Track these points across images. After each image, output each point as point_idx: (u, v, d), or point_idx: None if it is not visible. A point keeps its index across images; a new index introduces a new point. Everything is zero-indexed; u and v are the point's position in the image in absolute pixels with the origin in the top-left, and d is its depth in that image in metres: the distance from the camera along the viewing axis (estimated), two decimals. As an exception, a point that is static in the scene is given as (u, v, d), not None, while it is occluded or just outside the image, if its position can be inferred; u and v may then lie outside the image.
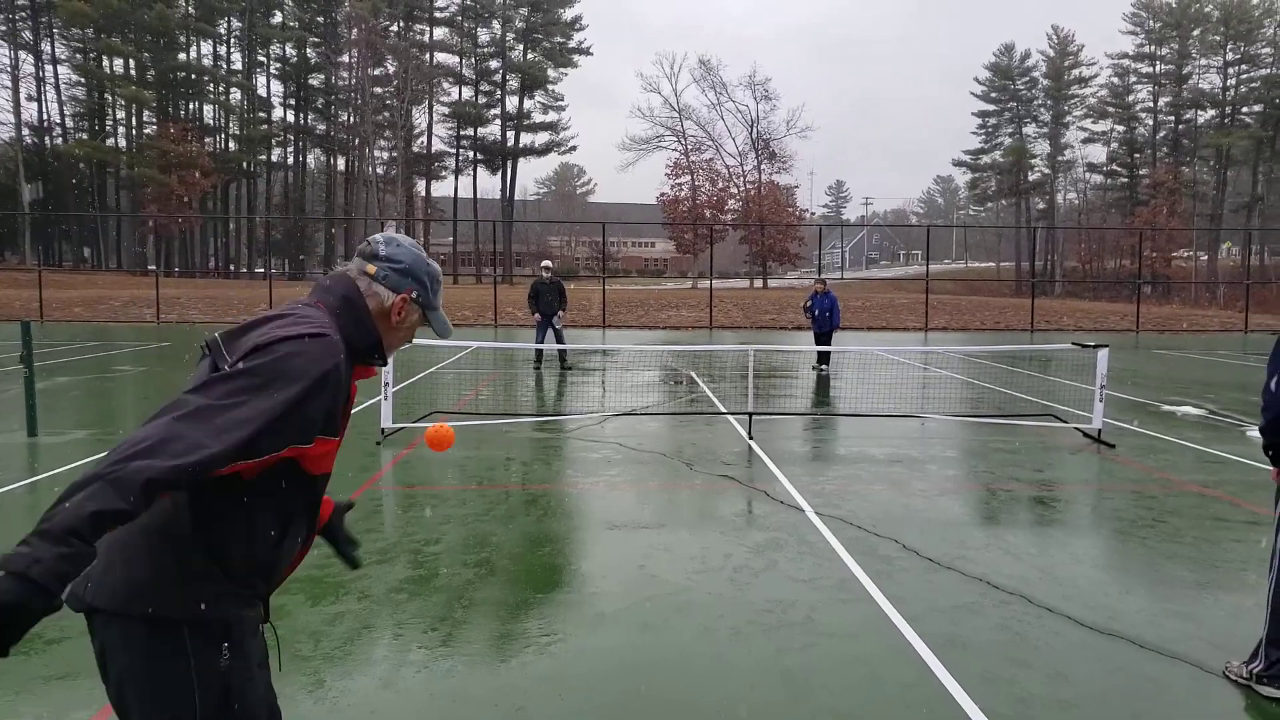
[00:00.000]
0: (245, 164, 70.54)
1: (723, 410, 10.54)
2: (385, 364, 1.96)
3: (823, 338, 15.63)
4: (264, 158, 72.85)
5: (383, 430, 8.67)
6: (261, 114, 72.89)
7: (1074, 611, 4.36)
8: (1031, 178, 73.17)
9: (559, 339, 14.38)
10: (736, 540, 5.51)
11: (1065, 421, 9.73)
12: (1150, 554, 5.37)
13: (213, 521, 1.68)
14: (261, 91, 73.03)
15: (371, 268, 1.90)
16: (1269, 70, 61.21)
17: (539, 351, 14.64)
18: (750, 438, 8.78)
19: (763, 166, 64.04)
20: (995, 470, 7.69)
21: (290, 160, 77.09)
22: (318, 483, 1.87)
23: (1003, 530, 5.83)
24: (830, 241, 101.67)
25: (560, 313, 14.12)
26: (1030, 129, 73.64)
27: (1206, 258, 63.20)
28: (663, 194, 63.65)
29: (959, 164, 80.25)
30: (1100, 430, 8.84)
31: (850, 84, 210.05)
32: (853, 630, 4.15)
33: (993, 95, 75.45)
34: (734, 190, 64.44)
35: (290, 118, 74.62)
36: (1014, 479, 7.33)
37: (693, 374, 14.41)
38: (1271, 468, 3.49)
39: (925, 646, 3.93)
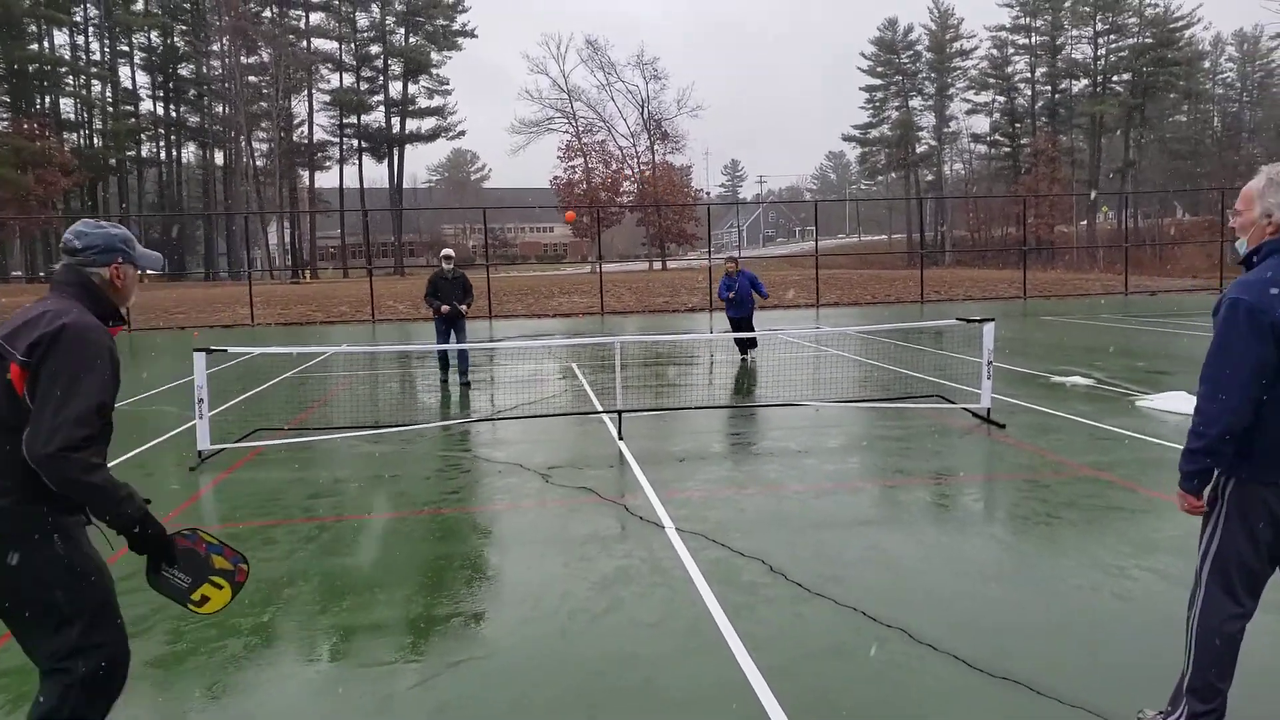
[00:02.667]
0: (112, 160, 65.73)
1: (598, 409, 9.70)
2: (123, 322, 2.61)
3: (742, 323, 13.51)
4: (133, 153, 68.03)
5: (199, 453, 7.49)
6: (128, 107, 67.97)
7: (962, 648, 3.66)
8: (919, 150, 74.76)
9: (462, 353, 11.79)
10: (581, 573, 4.66)
11: (954, 402, 9.25)
12: (1046, 562, 4.77)
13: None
14: (126, 83, 68.09)
15: (80, 259, 2.52)
16: (1135, 39, 63.87)
17: (444, 361, 11.99)
18: (620, 438, 7.96)
19: (656, 147, 63.39)
20: (880, 461, 7.08)
21: (163, 155, 72.36)
22: None
23: (884, 537, 5.15)
24: (727, 221, 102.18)
25: (463, 308, 11.53)
26: (916, 102, 75.16)
27: (1085, 223, 65.84)
28: (556, 177, 62.34)
29: (849, 139, 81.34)
30: (989, 410, 8.37)
31: (740, 61, 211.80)
32: (697, 694, 3.34)
33: (879, 70, 76.61)
34: (628, 171, 63.61)
35: (160, 110, 69.94)
36: (899, 471, 6.72)
37: (574, 366, 13.53)
38: (1185, 493, 2.77)
39: (784, 715, 3.16)
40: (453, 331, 11.58)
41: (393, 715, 3.26)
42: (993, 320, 8.51)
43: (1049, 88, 69.29)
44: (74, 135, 64.32)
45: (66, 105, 64.74)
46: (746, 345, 13.49)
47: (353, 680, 3.55)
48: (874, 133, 78.13)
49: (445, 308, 11.34)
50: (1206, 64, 68.10)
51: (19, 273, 61.98)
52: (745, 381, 11.73)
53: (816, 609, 4.12)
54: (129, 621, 4.06)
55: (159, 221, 68.08)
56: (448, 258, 11.82)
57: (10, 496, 2.31)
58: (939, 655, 3.61)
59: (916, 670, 3.50)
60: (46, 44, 62.27)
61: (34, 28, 61.16)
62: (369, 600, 4.37)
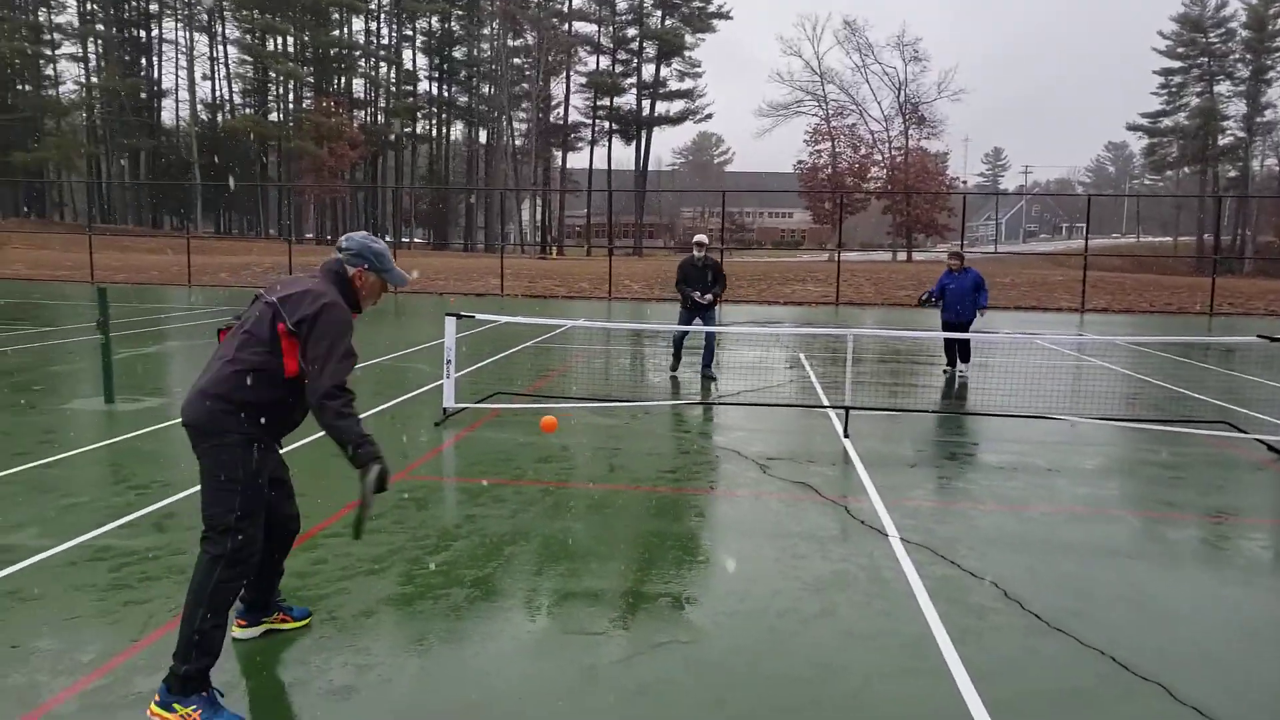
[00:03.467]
0: (392, 136, 73.11)
1: (825, 403, 9.39)
2: (360, 312, 3.33)
3: (956, 327, 11.48)
4: (409, 130, 75.23)
5: (444, 410, 8.09)
6: (407, 87, 75.24)
7: (1241, 717, 3.12)
8: (1222, 142, 65.68)
9: (708, 341, 10.91)
10: (793, 571, 4.50)
11: (1245, 431, 8.01)
12: (1355, 628, 3.97)
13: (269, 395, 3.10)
14: (408, 65, 75.31)
15: (341, 256, 3.32)
16: None
17: (677, 353, 11.21)
18: (846, 436, 7.64)
19: (910, 132, 60.42)
20: (1146, 490, 6.26)
21: (434, 132, 79.37)
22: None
23: (1145, 576, 4.53)
24: (984, 213, 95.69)
25: (710, 298, 10.63)
26: (1223, 87, 65.96)
27: None
28: (800, 162, 61.27)
29: (1135, 128, 73.07)
30: (1290, 443, 7.16)
31: (1010, 43, 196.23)
32: (909, 718, 3.10)
33: (1179, 50, 68.02)
34: (878, 157, 61.19)
35: (434, 90, 76.70)
36: (1170, 504, 5.90)
37: (801, 357, 13.22)
38: None
39: (1008, 761, 2.85)
40: (700, 322, 10.76)
41: (595, 687, 3.29)
42: (1304, 340, 7.25)
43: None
44: (362, 113, 72.13)
45: (358, 85, 72.79)
46: (959, 355, 11.79)
47: (561, 645, 3.64)
48: (1166, 121, 69.67)
49: (698, 295, 10.57)
50: None
51: (311, 235, 70.60)
52: (954, 384, 10.87)
53: (1055, 645, 3.69)
54: (370, 560, 4.46)
55: (427, 193, 74.82)
56: (700, 244, 10.91)
57: (241, 410, 3.05)
58: (1206, 723, 3.10)
59: (1176, 737, 3.03)
60: (346, 30, 70.20)
61: (336, 15, 69.11)
62: (583, 568, 4.47)
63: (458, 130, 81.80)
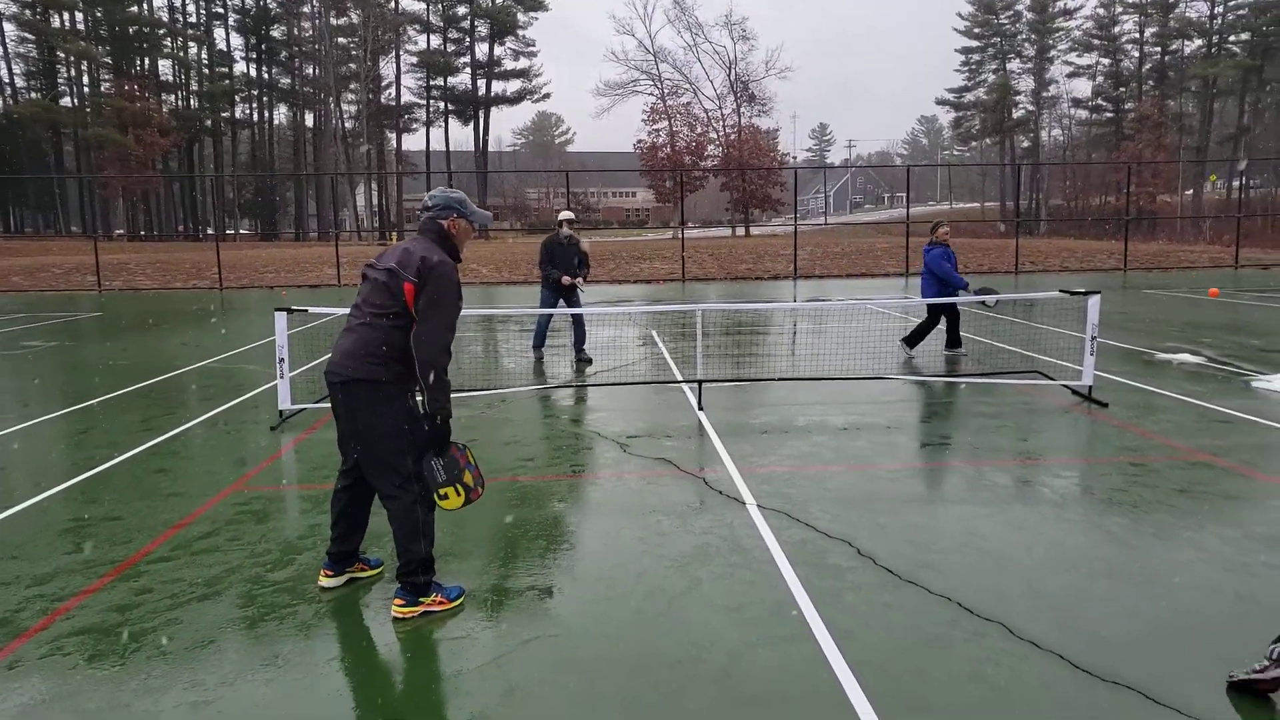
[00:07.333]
0: (208, 121, 68.02)
1: (679, 378, 9.50)
2: (461, 260, 3.83)
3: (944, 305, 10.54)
4: (227, 114, 70.24)
5: (280, 413, 7.60)
6: (222, 69, 70.14)
7: (1068, 646, 3.37)
8: (1016, 115, 71.51)
9: (578, 323, 10.74)
10: (657, 549, 4.51)
11: (1053, 378, 8.74)
12: (1159, 556, 4.40)
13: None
14: (221, 45, 70.20)
15: (431, 213, 3.79)
16: (1258, -4, 59.43)
17: (541, 335, 10.99)
18: (700, 409, 7.76)
19: (742, 110, 62.10)
20: (974, 440, 6.71)
21: (256, 117, 74.51)
22: None
23: (980, 522, 4.84)
24: (814, 186, 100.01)
25: (579, 280, 10.51)
26: (1014, 64, 71.77)
27: (1192, 192, 62.06)
28: (640, 141, 61.71)
29: (942, 103, 78.42)
30: (1091, 388, 7.86)
31: (831, 23, 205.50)
32: (779, 687, 3.16)
33: (976, 30, 73.35)
34: (713, 135, 62.52)
35: (253, 72, 71.92)
36: (995, 450, 6.35)
37: (654, 334, 13.35)
38: None
39: (875, 715, 2.95)
40: (564, 305, 10.55)
41: (460, 694, 3.16)
42: (1099, 293, 7.96)
43: (1158, 49, 65.21)
44: (171, 97, 66.68)
45: (164, 67, 67.12)
46: (955, 338, 10.79)
47: (424, 653, 3.48)
48: (969, 96, 75.07)
49: (566, 279, 10.34)
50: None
51: (121, 231, 64.88)
52: (796, 349, 11.36)
53: (907, 598, 3.87)
54: (203, 584, 4.11)
55: (250, 182, 70.27)
56: (568, 221, 10.54)
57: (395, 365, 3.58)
58: (1042, 654, 3.33)
59: (1017, 670, 3.24)
60: (145, 6, 64.44)
61: (133, -10, 63.31)
62: (443, 569, 4.29)
63: (281, 114, 77.18)
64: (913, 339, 10.74)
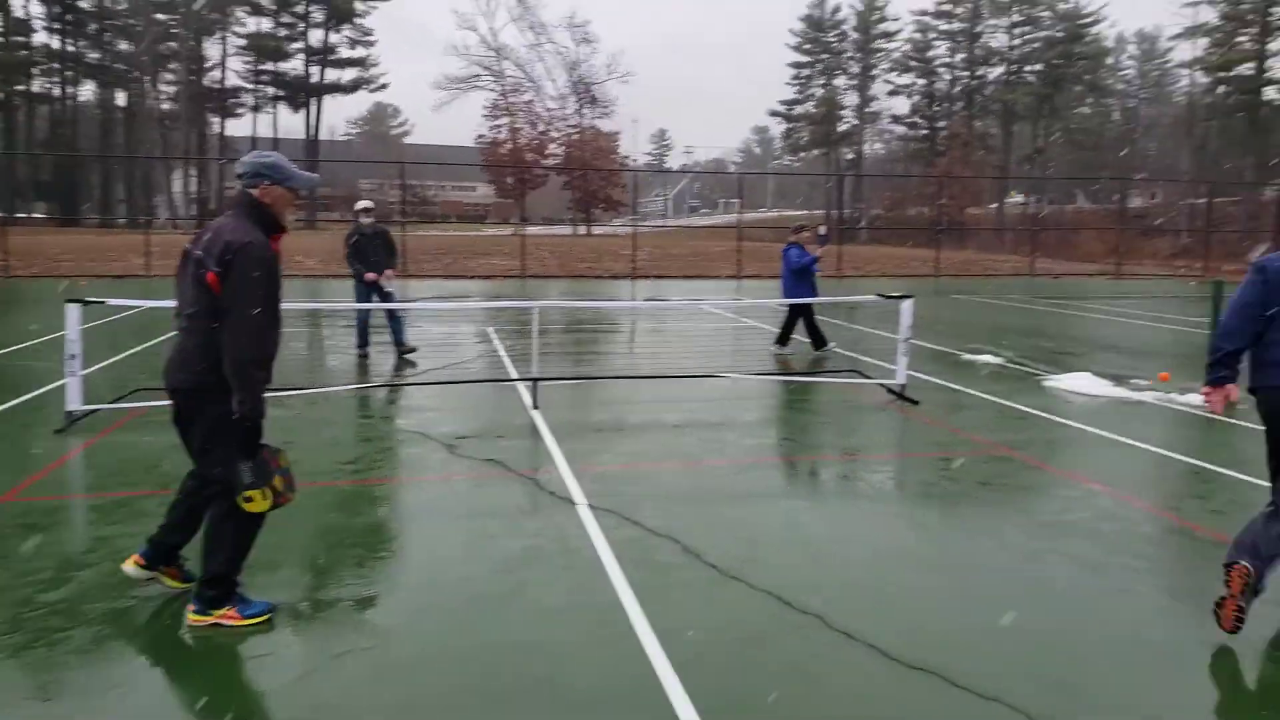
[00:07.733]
0: (0, 95, 60.79)
1: (514, 376, 9.34)
2: (284, 231, 3.58)
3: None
4: (23, 88, 63.07)
5: (68, 414, 6.85)
6: (19, 38, 62.88)
7: (879, 635, 3.52)
8: (841, 128, 75.58)
9: (392, 317, 10.39)
10: (483, 553, 4.37)
11: (870, 377, 9.25)
12: (961, 545, 4.71)
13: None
14: (19, 12, 62.92)
15: (241, 182, 3.46)
16: (1048, 32, 65.81)
17: (363, 333, 10.51)
18: (535, 408, 7.65)
19: (584, 111, 62.28)
20: (798, 436, 6.98)
21: (58, 92, 67.38)
22: None
23: (800, 516, 5.01)
24: (654, 189, 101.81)
25: (389, 271, 10.15)
26: (840, 80, 75.81)
27: (996, 206, 67.81)
28: (481, 136, 60.65)
29: (775, 114, 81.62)
30: (904, 386, 8.36)
31: (671, 32, 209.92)
32: (604, 690, 3.12)
33: (806, 46, 76.96)
34: (555, 134, 62.34)
35: (55, 44, 64.97)
36: (817, 446, 6.63)
37: (490, 331, 13.09)
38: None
39: (695, 714, 2.96)
40: (376, 298, 10.17)
41: (260, 715, 2.92)
42: (912, 297, 8.49)
43: (967, 73, 70.78)
44: (-44, 68, 59.22)
45: (-53, 35, 59.55)
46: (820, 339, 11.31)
47: (222, 674, 3.19)
48: (799, 109, 78.59)
49: (371, 276, 10.02)
50: (1110, 60, 70.76)
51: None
52: (632, 348, 11.54)
53: (731, 593, 3.94)
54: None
55: (50, 161, 63.61)
56: (366, 210, 10.27)
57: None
58: (854, 644, 3.47)
59: (832, 661, 3.35)
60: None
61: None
62: (248, 582, 3.93)
63: (88, 91, 70.10)
64: (782, 338, 11.38)
